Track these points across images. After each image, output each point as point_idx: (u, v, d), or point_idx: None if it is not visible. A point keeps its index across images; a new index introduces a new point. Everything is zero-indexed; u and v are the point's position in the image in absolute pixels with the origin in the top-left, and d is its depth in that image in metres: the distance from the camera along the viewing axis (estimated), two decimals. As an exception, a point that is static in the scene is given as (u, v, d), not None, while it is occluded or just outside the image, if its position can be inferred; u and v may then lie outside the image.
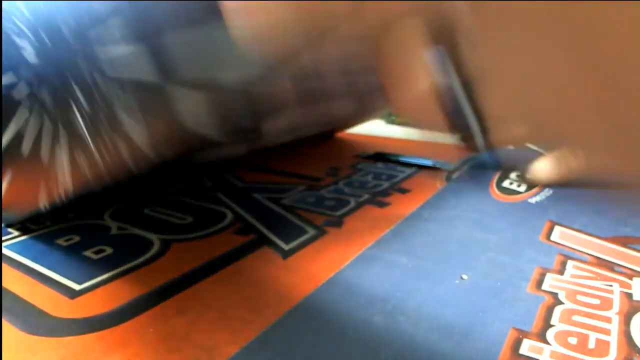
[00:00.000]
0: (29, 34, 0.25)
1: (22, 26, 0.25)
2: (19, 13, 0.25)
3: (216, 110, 0.19)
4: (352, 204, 0.37)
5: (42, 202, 0.28)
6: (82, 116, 0.23)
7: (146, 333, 0.22)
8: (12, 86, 0.27)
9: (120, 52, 0.21)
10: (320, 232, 0.32)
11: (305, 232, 0.32)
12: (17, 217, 0.33)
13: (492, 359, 0.20)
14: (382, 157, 0.51)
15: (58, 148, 0.25)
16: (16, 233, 0.32)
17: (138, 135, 0.22)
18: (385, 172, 0.46)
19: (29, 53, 0.25)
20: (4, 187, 0.31)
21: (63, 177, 0.26)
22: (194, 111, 0.20)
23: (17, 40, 0.25)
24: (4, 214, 0.33)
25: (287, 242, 0.31)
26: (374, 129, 0.67)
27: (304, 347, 0.21)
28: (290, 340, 0.21)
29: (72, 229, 0.33)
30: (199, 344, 0.21)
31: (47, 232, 0.32)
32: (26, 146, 0.27)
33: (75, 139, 0.24)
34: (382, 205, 0.37)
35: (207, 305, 0.24)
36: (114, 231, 0.33)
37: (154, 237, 0.31)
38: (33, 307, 0.24)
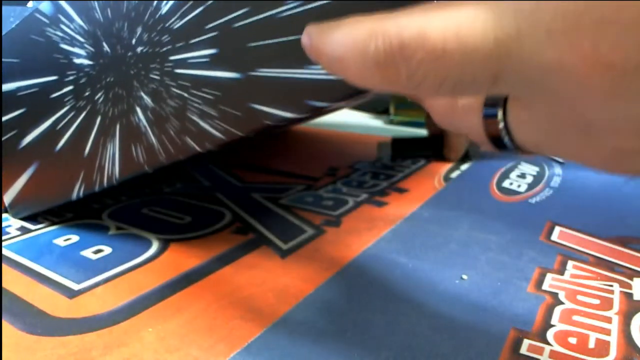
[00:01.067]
0: (83, 41, 0.26)
1: (74, 34, 0.26)
2: (70, 22, 0.26)
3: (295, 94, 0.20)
4: (351, 203, 0.37)
5: (77, 192, 0.29)
6: (144, 112, 0.24)
7: (145, 332, 0.22)
8: (49, 87, 0.28)
9: (197, 54, 0.22)
10: (319, 232, 0.32)
11: (303, 231, 0.32)
12: (39, 209, 0.33)
13: (492, 359, 0.20)
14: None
15: (109, 141, 0.26)
16: (15, 233, 0.32)
17: (209, 124, 0.22)
18: (383, 171, 0.46)
19: (81, 58, 0.26)
20: (24, 179, 0.32)
21: (112, 167, 0.26)
22: (273, 97, 0.20)
23: (67, 47, 0.26)
24: (20, 207, 0.33)
25: (285, 241, 0.31)
26: (372, 129, 0.67)
27: (304, 347, 0.21)
28: (290, 341, 0.21)
29: (71, 228, 0.33)
30: (198, 343, 0.21)
31: (46, 232, 0.32)
32: (61, 141, 0.28)
33: (132, 133, 0.25)
34: (380, 204, 0.37)
35: (205, 305, 0.24)
36: (112, 231, 0.32)
37: (152, 237, 0.31)
38: (32, 306, 0.24)
